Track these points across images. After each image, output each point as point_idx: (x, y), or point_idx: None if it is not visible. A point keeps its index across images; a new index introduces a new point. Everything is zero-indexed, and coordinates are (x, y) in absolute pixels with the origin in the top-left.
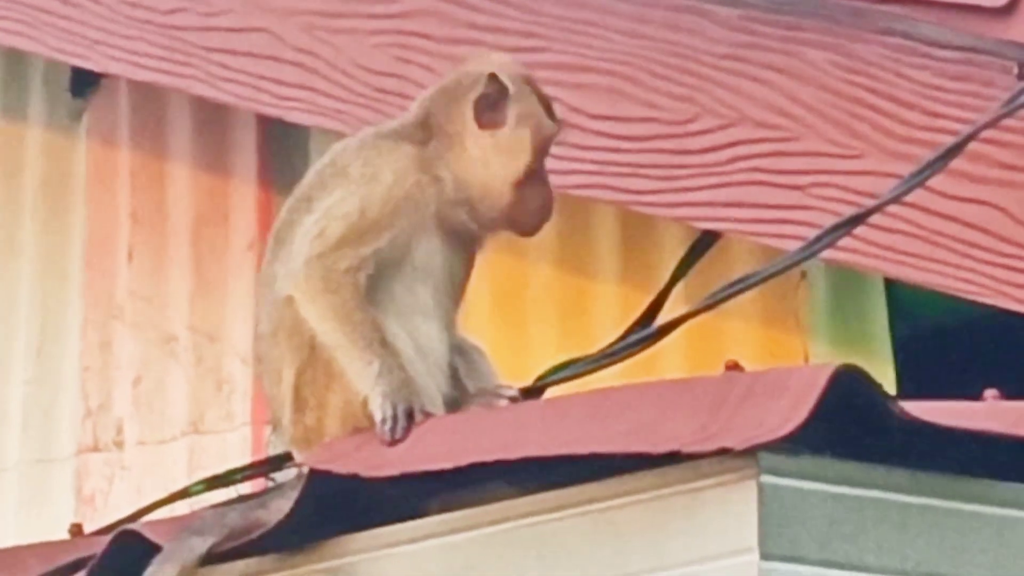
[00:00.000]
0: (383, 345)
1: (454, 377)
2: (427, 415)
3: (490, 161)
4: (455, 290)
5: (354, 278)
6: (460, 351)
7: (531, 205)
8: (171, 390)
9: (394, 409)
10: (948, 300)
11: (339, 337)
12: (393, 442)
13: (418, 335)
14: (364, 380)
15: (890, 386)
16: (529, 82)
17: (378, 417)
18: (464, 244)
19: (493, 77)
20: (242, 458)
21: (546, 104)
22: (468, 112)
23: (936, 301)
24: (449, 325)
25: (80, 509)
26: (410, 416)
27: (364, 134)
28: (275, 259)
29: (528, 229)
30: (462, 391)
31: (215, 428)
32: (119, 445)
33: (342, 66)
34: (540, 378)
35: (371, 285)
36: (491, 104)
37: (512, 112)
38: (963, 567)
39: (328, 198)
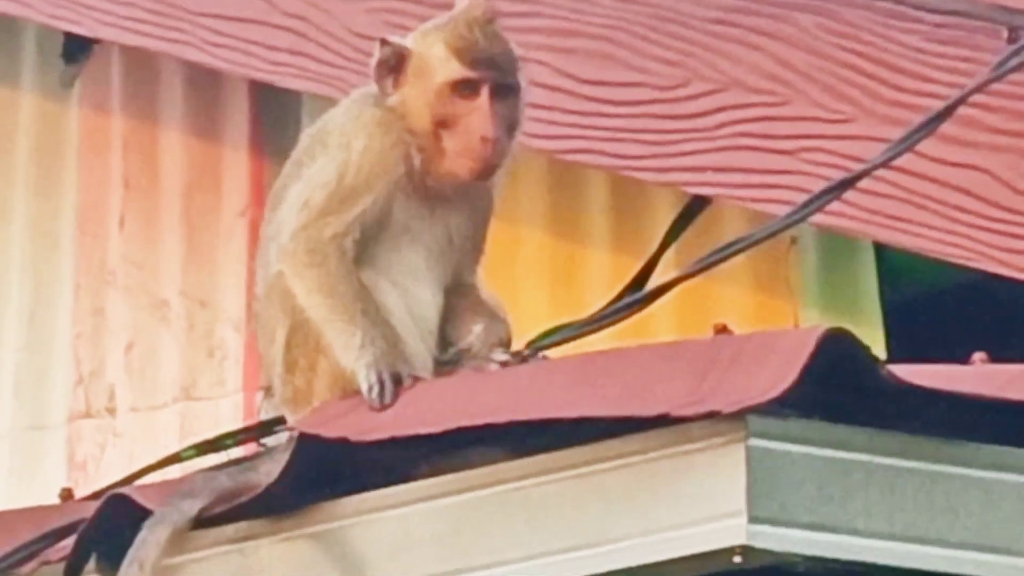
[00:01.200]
0: (366, 316)
1: (449, 339)
2: (415, 379)
3: (411, 116)
4: (454, 251)
5: (340, 245)
6: (473, 309)
7: (457, 149)
8: (163, 356)
9: (379, 375)
10: (937, 264)
11: (324, 311)
12: (382, 407)
13: (408, 298)
14: (348, 353)
15: (880, 350)
16: (447, 29)
17: (364, 386)
18: (459, 203)
19: (384, 42)
20: (234, 424)
21: (461, 48)
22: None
23: (925, 265)
24: (449, 285)
25: (72, 475)
26: (397, 381)
27: (348, 98)
28: (270, 223)
29: (465, 174)
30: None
31: (207, 394)
32: (111, 411)
33: (334, 31)
34: (531, 343)
35: (361, 250)
36: (392, 67)
37: (410, 68)
38: (951, 530)
39: (312, 166)
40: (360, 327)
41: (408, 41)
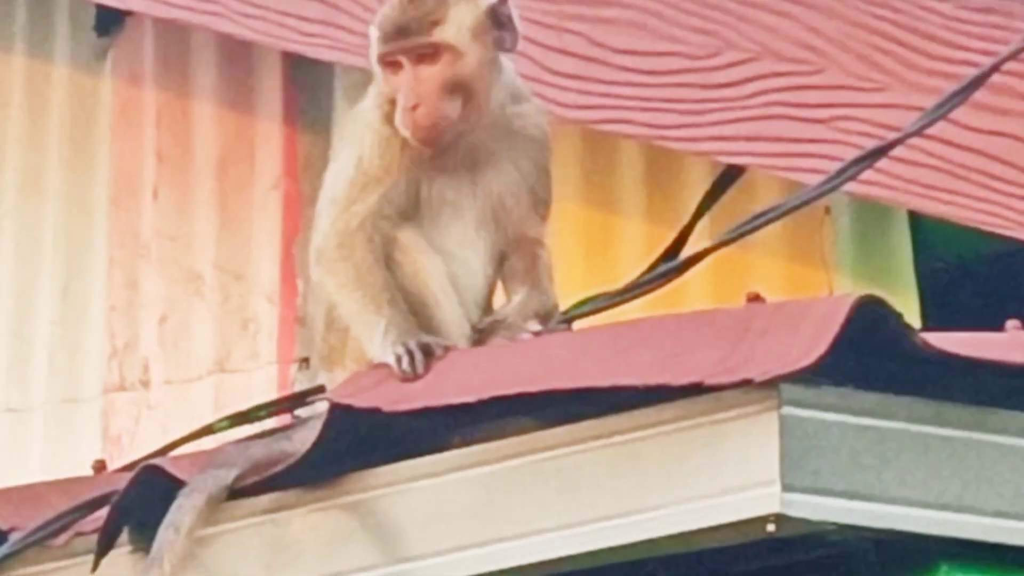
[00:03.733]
0: (392, 304)
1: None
2: (447, 349)
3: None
4: (507, 212)
5: (367, 234)
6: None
7: (400, 123)
8: (197, 329)
9: (406, 346)
10: (971, 232)
11: (354, 306)
12: (414, 377)
13: (455, 265)
14: (374, 341)
15: (915, 319)
16: (384, 6)
17: (392, 359)
18: (500, 164)
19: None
20: (267, 397)
21: (380, 24)
22: None
23: (959, 234)
24: (514, 241)
25: (107, 448)
26: (427, 352)
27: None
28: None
29: (418, 144)
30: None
31: (241, 367)
32: (145, 384)
33: (365, 2)
34: (566, 312)
35: (404, 228)
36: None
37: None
38: (985, 498)
39: (339, 157)
40: (385, 315)
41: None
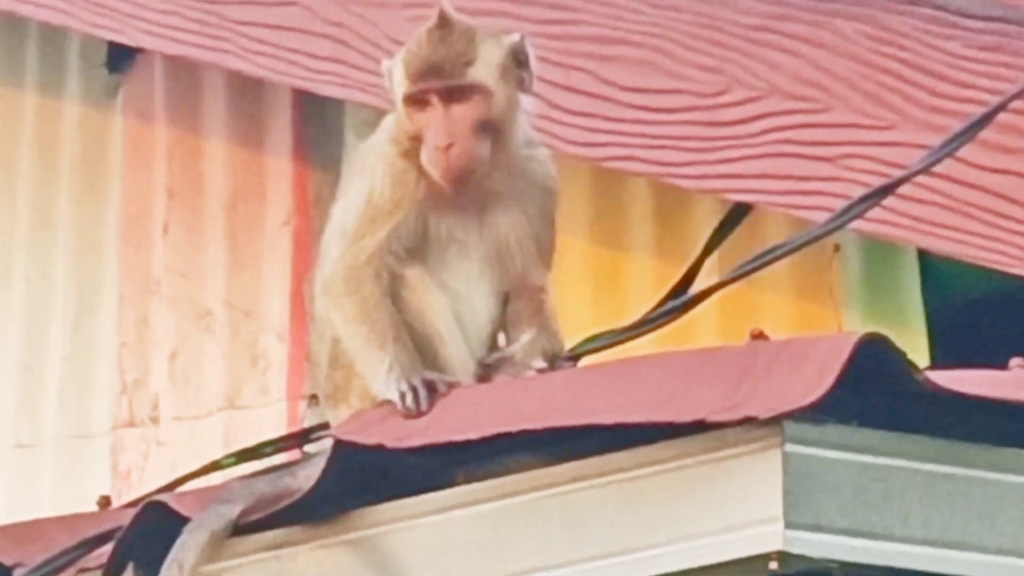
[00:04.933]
0: (397, 341)
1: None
2: (451, 385)
3: (401, 134)
4: (511, 255)
5: (375, 269)
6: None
7: (428, 161)
8: (207, 365)
9: (409, 383)
10: (979, 270)
11: (359, 341)
12: (417, 414)
13: (460, 303)
14: (378, 379)
15: (923, 357)
16: (407, 44)
17: (395, 396)
18: (508, 206)
19: (385, 71)
20: (277, 433)
21: (408, 63)
22: None
23: (967, 272)
24: (516, 287)
25: (116, 484)
26: (431, 388)
27: (384, 120)
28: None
29: (443, 183)
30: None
31: (250, 403)
32: (155, 420)
33: (374, 39)
34: (573, 349)
35: (411, 264)
36: (389, 85)
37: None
38: (988, 536)
39: (349, 191)
40: (390, 352)
41: (395, 56)
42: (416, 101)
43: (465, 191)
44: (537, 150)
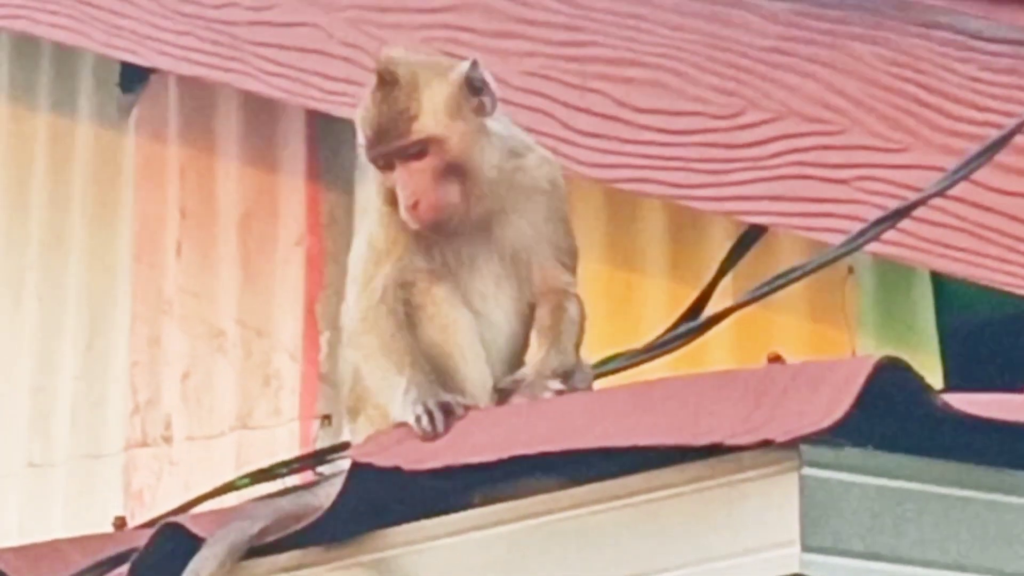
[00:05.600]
0: (415, 366)
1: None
2: (468, 408)
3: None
4: (523, 264)
5: (390, 305)
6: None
7: (403, 213)
8: (219, 385)
9: (425, 406)
10: (994, 294)
11: (377, 371)
12: (433, 436)
13: (481, 323)
14: (395, 403)
15: (937, 379)
16: (361, 103)
17: (412, 419)
18: (511, 219)
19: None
20: (290, 453)
21: (362, 125)
22: None
23: (982, 295)
24: (540, 293)
25: (128, 504)
26: (448, 411)
27: None
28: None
29: (424, 229)
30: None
31: (263, 423)
32: (167, 440)
33: None
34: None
35: (428, 290)
36: None
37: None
38: (1006, 560)
39: (359, 233)
40: (407, 376)
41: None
42: (378, 164)
43: (457, 223)
44: (525, 158)
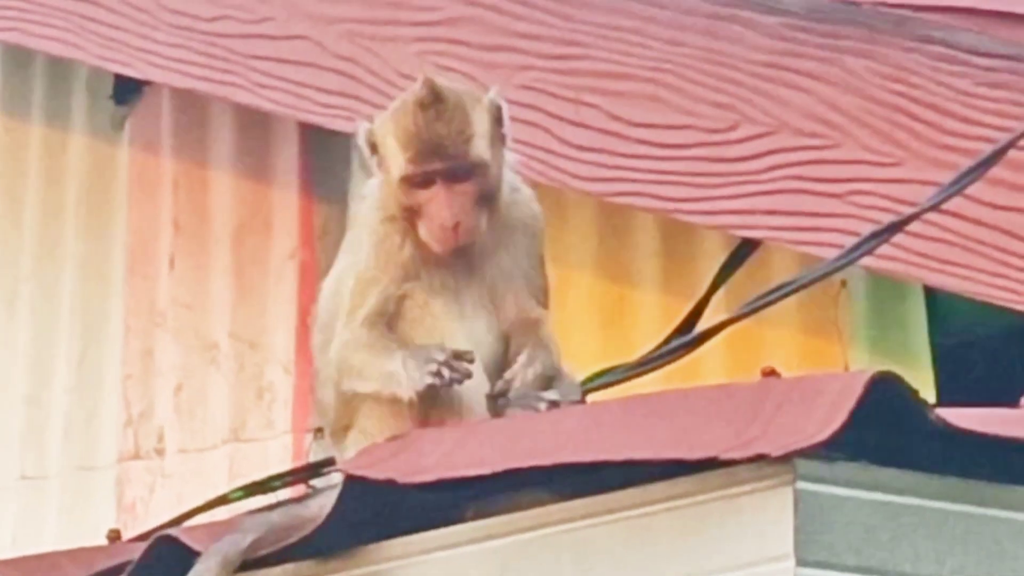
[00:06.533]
0: (403, 346)
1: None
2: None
3: (390, 200)
4: (500, 294)
5: (372, 326)
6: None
7: (427, 233)
8: (212, 398)
9: (436, 362)
10: (987, 308)
11: (372, 373)
12: (464, 378)
13: (461, 339)
14: (401, 383)
15: (930, 394)
16: (397, 116)
17: (433, 380)
18: (493, 249)
19: (363, 135)
20: (283, 466)
21: (406, 142)
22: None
23: (975, 309)
24: (515, 323)
25: (121, 517)
26: (459, 356)
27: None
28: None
29: (441, 252)
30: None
31: (256, 436)
32: (160, 453)
33: (383, 74)
34: (581, 385)
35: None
36: (371, 151)
37: (381, 159)
38: (998, 573)
39: (344, 258)
40: (399, 356)
41: (377, 124)
42: (416, 180)
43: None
44: (520, 193)
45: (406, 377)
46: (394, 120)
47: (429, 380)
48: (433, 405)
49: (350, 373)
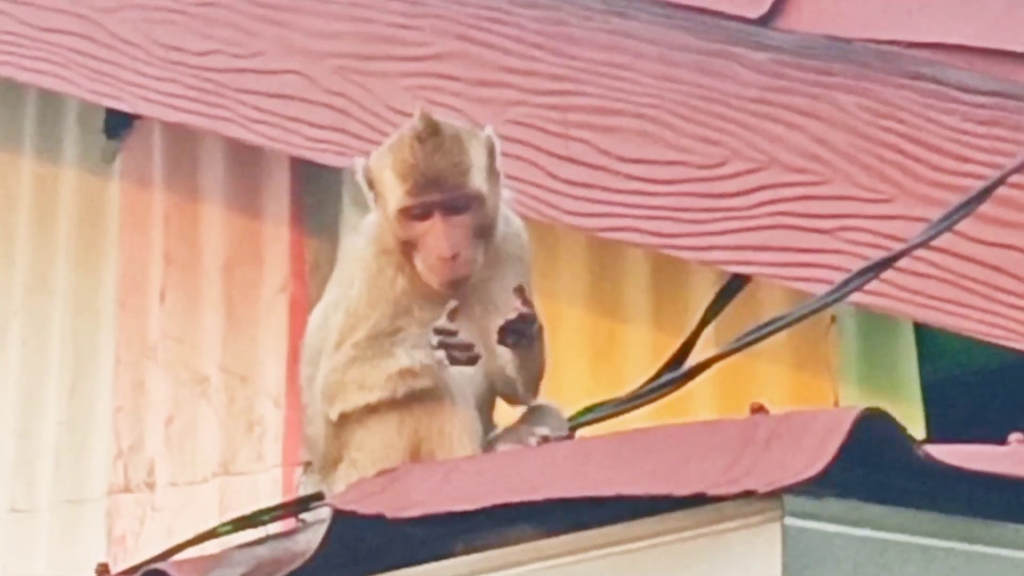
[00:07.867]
0: (399, 344)
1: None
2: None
3: (385, 234)
4: (490, 334)
5: (363, 345)
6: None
7: (424, 266)
8: (202, 431)
9: (440, 342)
10: (976, 345)
11: (374, 381)
12: (473, 358)
13: (451, 372)
14: (404, 377)
15: (919, 430)
16: (394, 150)
17: (439, 355)
18: (484, 281)
19: (360, 170)
20: (273, 500)
21: (404, 174)
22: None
23: (965, 346)
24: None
25: (111, 550)
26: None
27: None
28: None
29: (438, 286)
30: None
31: (246, 469)
32: (150, 486)
33: (374, 108)
34: (570, 420)
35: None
36: (368, 187)
37: (378, 193)
38: None
39: (333, 292)
40: (399, 347)
41: (373, 159)
42: (414, 212)
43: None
44: (511, 225)
45: (409, 357)
46: (391, 154)
47: (436, 355)
48: (429, 408)
49: (347, 391)
